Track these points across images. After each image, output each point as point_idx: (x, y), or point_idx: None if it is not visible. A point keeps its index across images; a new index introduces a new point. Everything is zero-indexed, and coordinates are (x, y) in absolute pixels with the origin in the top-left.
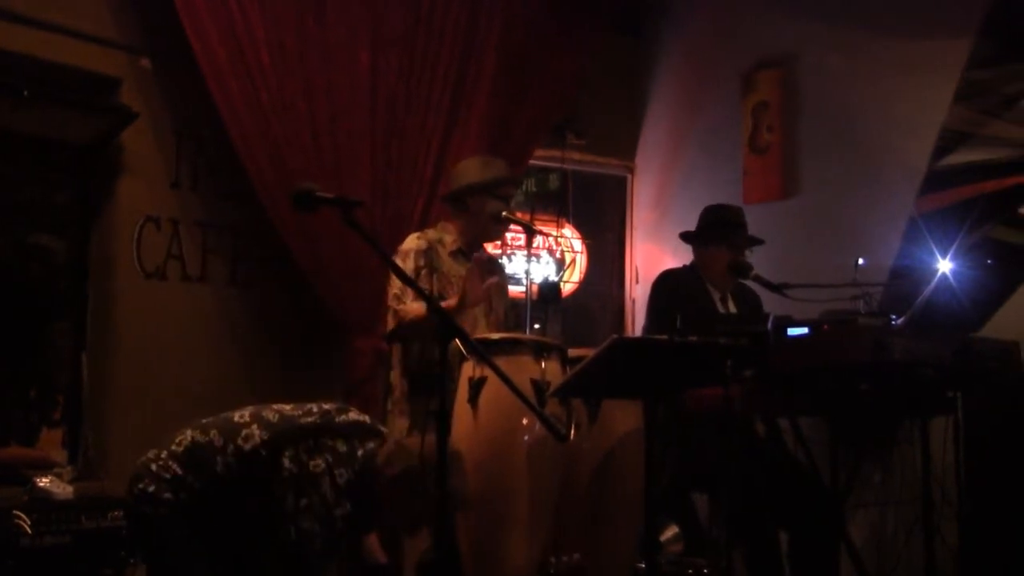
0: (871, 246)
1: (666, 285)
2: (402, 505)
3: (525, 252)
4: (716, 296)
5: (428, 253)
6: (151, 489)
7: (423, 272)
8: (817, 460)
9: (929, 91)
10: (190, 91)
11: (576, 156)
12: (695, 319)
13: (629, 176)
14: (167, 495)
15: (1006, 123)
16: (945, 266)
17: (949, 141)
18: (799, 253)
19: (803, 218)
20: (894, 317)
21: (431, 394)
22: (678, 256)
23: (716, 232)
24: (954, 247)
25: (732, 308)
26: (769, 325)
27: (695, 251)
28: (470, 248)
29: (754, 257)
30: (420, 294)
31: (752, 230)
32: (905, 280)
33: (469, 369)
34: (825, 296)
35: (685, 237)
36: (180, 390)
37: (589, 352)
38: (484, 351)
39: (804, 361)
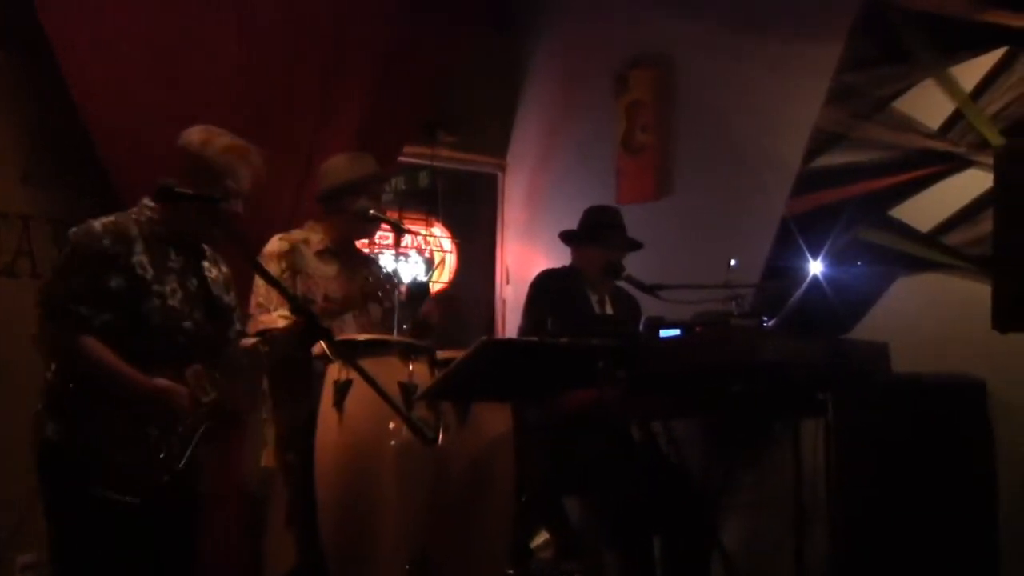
0: (744, 247)
1: (543, 286)
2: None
3: (394, 251)
4: (594, 298)
5: (291, 255)
6: None
7: (286, 275)
8: (691, 463)
9: (801, 92)
10: (44, 83)
11: (446, 154)
12: (572, 320)
13: (500, 174)
14: None
15: (877, 126)
16: (816, 267)
17: (821, 143)
18: (673, 254)
19: (677, 219)
20: (766, 318)
21: (294, 401)
22: (550, 256)
23: (592, 233)
24: (825, 248)
25: (609, 310)
26: (641, 326)
27: (573, 252)
28: (338, 247)
29: (630, 259)
30: (285, 295)
31: (627, 231)
32: (777, 281)
33: (335, 372)
34: (698, 297)
35: (564, 237)
36: (32, 389)
37: (458, 354)
38: (350, 353)
39: (677, 363)
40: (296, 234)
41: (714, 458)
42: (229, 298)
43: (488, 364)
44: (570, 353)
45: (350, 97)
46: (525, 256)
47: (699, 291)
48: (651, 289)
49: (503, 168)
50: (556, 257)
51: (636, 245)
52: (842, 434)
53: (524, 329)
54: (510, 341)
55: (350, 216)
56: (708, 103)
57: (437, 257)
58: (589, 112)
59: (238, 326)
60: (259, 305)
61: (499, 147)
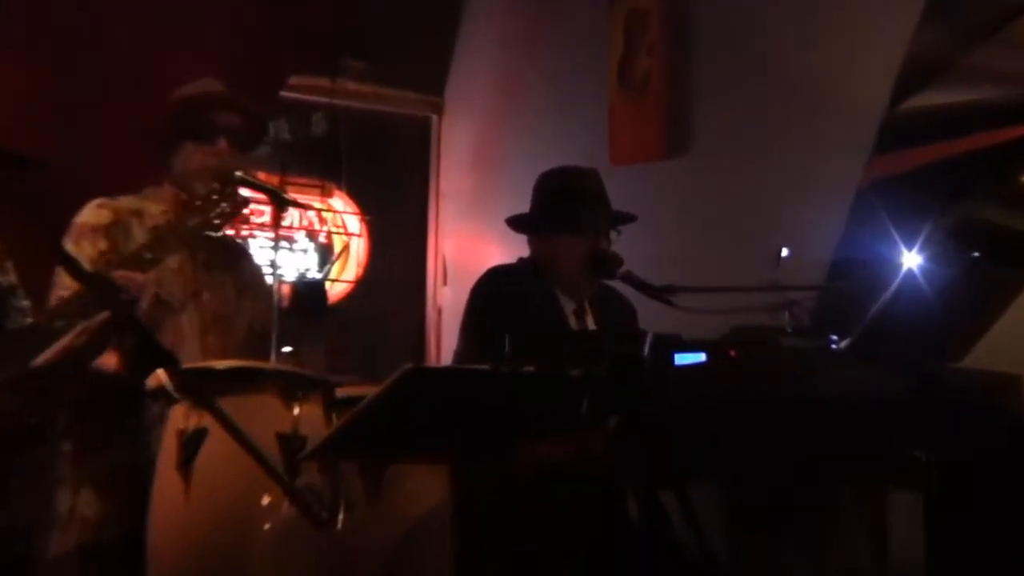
0: (799, 231)
1: (492, 290)
2: None
3: (272, 234)
4: (569, 306)
5: (114, 231)
6: None
7: (106, 259)
8: (716, 550)
9: (886, 4)
10: None
11: (354, 88)
12: (535, 339)
13: (435, 119)
14: None
15: (999, 48)
16: (912, 261)
17: (915, 76)
18: (692, 242)
19: (697, 188)
20: (834, 337)
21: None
22: (509, 245)
23: (561, 212)
24: (925, 233)
25: (591, 324)
26: (646, 348)
27: (533, 242)
28: (181, 221)
29: (623, 245)
30: (97, 289)
31: (618, 205)
32: (850, 282)
33: (181, 417)
34: (730, 304)
35: (516, 223)
36: None
37: (370, 390)
38: (204, 388)
39: (698, 401)
40: (126, 201)
41: (751, 542)
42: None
43: (414, 405)
44: (537, 388)
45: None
46: (471, 245)
47: (733, 295)
48: (661, 293)
49: (438, 110)
50: (517, 245)
51: (624, 218)
52: (950, 510)
53: (463, 353)
54: (447, 371)
55: (186, 174)
56: (743, 16)
57: (338, 243)
58: (568, 29)
59: (21, 317)
60: (60, 298)
61: (433, 80)
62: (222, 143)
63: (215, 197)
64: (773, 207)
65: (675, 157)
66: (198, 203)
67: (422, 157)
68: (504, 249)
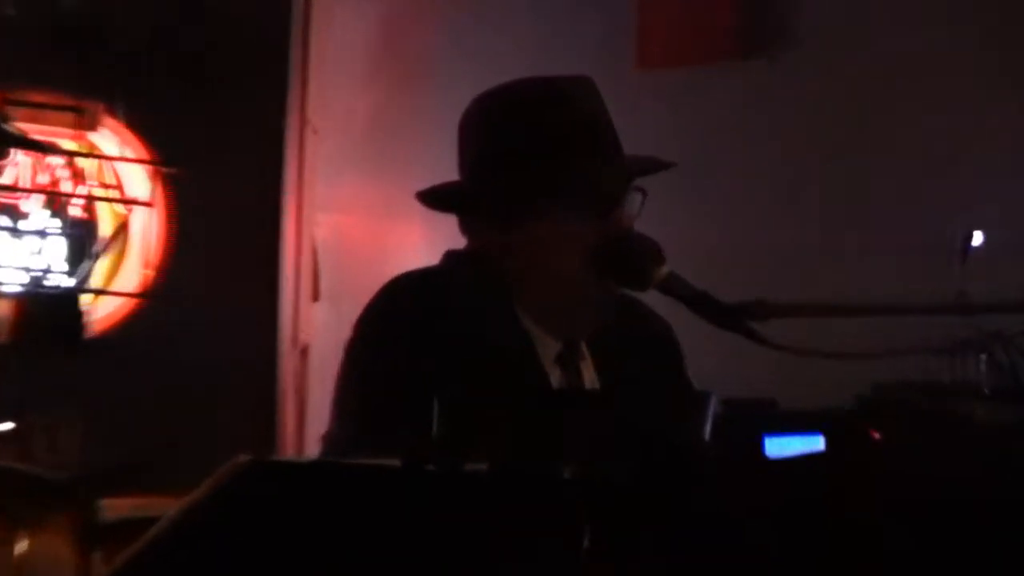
0: (1003, 196)
1: (405, 318)
2: None
3: None
4: (549, 346)
5: None
6: None
7: None
8: None
9: None
10: None
11: None
12: (487, 409)
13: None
14: None
15: None
16: None
17: None
18: (786, 216)
19: (808, 116)
20: None
21: None
22: (439, 228)
23: (532, 174)
24: None
25: (593, 378)
26: (707, 425)
27: (476, 231)
28: None
29: (653, 223)
30: None
31: (643, 146)
32: None
33: None
34: (871, 339)
35: (441, 199)
36: None
37: (169, 504)
38: None
39: (814, 530)
40: None
41: None
42: None
43: (252, 531)
44: (494, 504)
45: None
46: (364, 227)
47: (874, 322)
48: (739, 317)
49: None
50: (450, 234)
51: (651, 165)
52: None
53: (350, 433)
54: (316, 468)
55: None
56: None
57: (108, 220)
58: None
59: None
60: None
61: None
62: None
63: None
64: (940, 146)
65: (756, 54)
66: None
67: (274, 60)
68: (430, 236)
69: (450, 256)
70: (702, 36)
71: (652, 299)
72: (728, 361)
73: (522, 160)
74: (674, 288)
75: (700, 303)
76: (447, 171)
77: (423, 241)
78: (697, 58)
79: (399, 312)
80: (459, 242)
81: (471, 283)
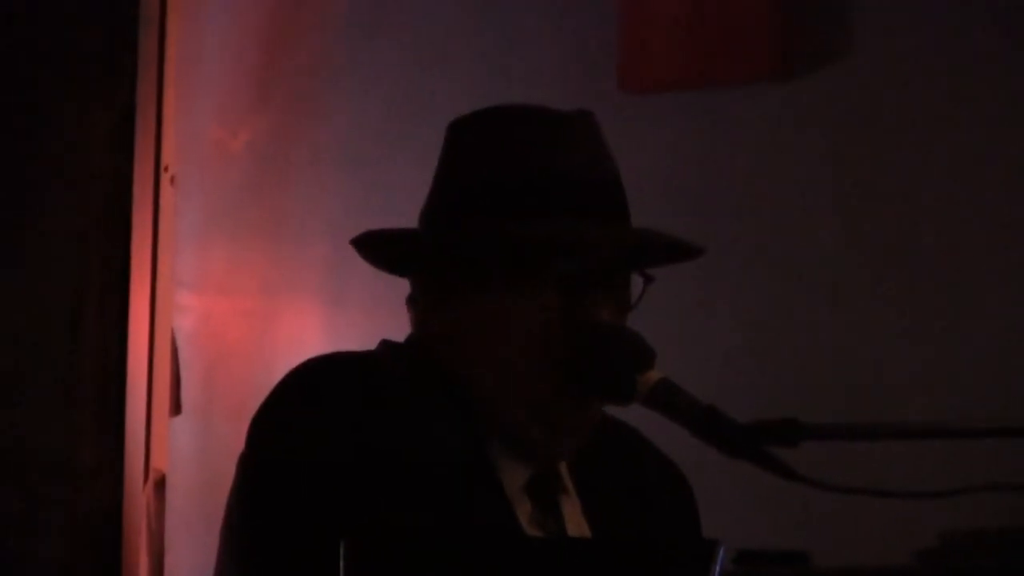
0: None
1: (321, 423)
2: None
3: None
4: (516, 476)
5: None
6: None
7: None
8: None
9: None
10: None
11: None
12: (425, 549)
13: None
14: None
15: None
16: None
17: None
18: (845, 303)
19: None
20: None
21: None
22: (340, 313)
23: (510, 236)
24: None
25: (578, 519)
26: None
27: (429, 306)
28: None
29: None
30: None
31: (652, 213)
32: None
33: None
34: (938, 468)
35: (387, 254)
36: None
37: None
38: None
39: None
40: None
41: None
42: None
43: None
44: None
45: None
46: (253, 311)
47: (947, 448)
48: (759, 443)
49: None
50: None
51: (681, 253)
52: None
53: None
54: None
55: None
56: None
57: None
58: None
59: None
60: None
61: None
62: None
63: None
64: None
65: (798, 75)
66: None
67: (115, 80)
68: (334, 324)
69: (386, 345)
70: (720, 49)
71: (640, 417)
72: (745, 502)
73: (487, 206)
74: (668, 401)
75: (703, 422)
76: (359, 227)
77: (325, 330)
78: (712, 76)
79: (309, 414)
80: (371, 331)
81: (412, 380)
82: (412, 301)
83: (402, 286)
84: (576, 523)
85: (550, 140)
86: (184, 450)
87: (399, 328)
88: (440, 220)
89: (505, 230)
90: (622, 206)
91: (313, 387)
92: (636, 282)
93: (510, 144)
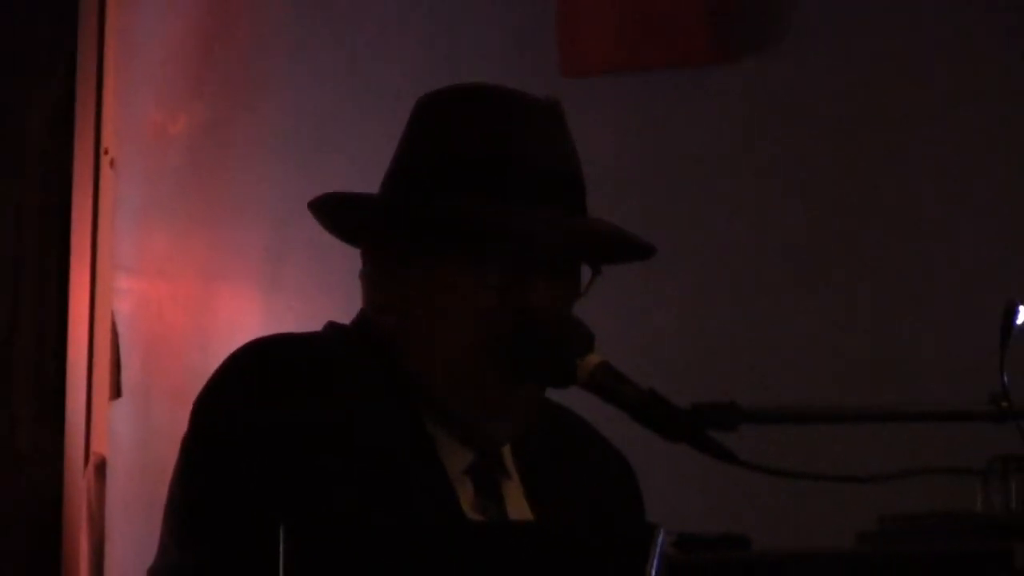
0: None
1: (261, 404)
2: None
3: None
4: (458, 459)
5: None
6: None
7: None
8: None
9: None
10: None
11: None
12: (365, 531)
13: None
14: None
15: None
16: None
17: None
18: (785, 285)
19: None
20: None
21: None
22: (279, 297)
23: (465, 210)
24: None
25: (520, 503)
26: (651, 567)
27: (379, 276)
28: None
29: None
30: None
31: (597, 197)
32: None
33: None
34: (878, 451)
35: (337, 217)
36: None
37: None
38: None
39: None
40: None
41: None
42: None
43: None
44: None
45: None
46: (192, 295)
47: (886, 432)
48: (698, 427)
49: None
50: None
51: (634, 251)
52: None
53: (180, 562)
54: None
55: None
56: None
57: None
58: None
59: None
60: None
61: None
62: None
63: None
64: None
65: (739, 57)
66: None
67: (55, 59)
68: (273, 308)
69: (331, 327)
70: (659, 31)
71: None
72: (684, 486)
73: (445, 182)
74: (607, 385)
75: (642, 405)
76: (297, 213)
77: (263, 314)
78: (651, 60)
79: (252, 395)
80: (308, 315)
81: (355, 362)
82: (363, 274)
83: (338, 271)
84: (518, 508)
85: (515, 124)
86: (123, 433)
87: (335, 313)
88: (398, 189)
89: (458, 205)
90: (580, 198)
91: (255, 369)
92: (586, 271)
93: (475, 123)
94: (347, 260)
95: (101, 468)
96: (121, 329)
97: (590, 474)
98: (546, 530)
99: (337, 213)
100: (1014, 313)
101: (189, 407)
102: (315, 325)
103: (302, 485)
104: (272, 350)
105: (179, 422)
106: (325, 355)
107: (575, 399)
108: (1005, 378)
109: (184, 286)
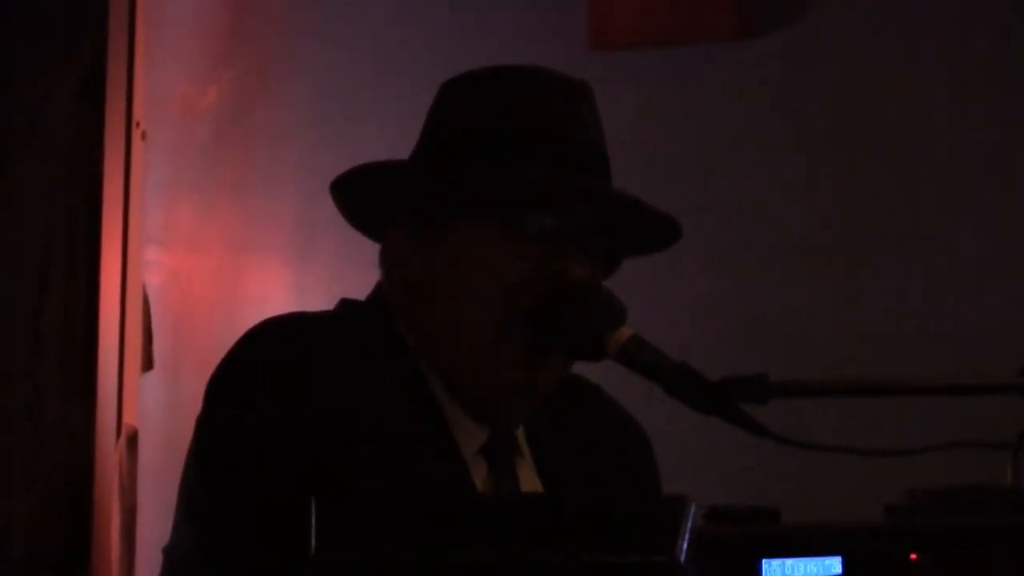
0: None
1: (273, 384)
2: None
3: None
4: (472, 438)
5: None
6: None
7: None
8: None
9: None
10: None
11: None
12: (387, 507)
13: None
14: None
15: None
16: None
17: None
18: (818, 261)
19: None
20: None
21: None
22: (307, 270)
23: (488, 179)
24: None
25: (532, 480)
26: (683, 544)
27: (398, 256)
28: None
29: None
30: None
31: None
32: None
33: None
34: (907, 425)
35: (367, 190)
36: None
37: None
38: None
39: None
40: None
41: None
42: None
43: None
44: None
45: None
46: (222, 268)
47: (916, 406)
48: (729, 399)
49: None
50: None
51: (664, 231)
52: None
53: (194, 543)
54: None
55: None
56: None
57: None
58: None
59: None
60: None
61: None
62: None
63: None
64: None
65: (756, 34)
66: None
67: (86, 33)
68: (302, 282)
69: (345, 304)
70: (680, 6)
71: (610, 374)
72: (716, 459)
73: (477, 150)
74: (639, 358)
75: (673, 378)
76: (327, 185)
77: (292, 287)
78: (677, 34)
79: (266, 375)
80: (337, 288)
81: (370, 341)
82: (384, 254)
83: (368, 244)
84: (531, 486)
85: (547, 98)
86: (155, 406)
87: (365, 286)
88: (431, 159)
89: (498, 168)
90: (607, 172)
91: (269, 348)
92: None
93: (507, 96)
94: None
95: (133, 440)
96: (153, 303)
97: (601, 447)
98: (577, 503)
99: (365, 183)
100: None
101: None
102: (343, 298)
103: (313, 467)
104: (284, 330)
105: None
106: (338, 335)
107: (604, 369)
108: None
109: (213, 259)
